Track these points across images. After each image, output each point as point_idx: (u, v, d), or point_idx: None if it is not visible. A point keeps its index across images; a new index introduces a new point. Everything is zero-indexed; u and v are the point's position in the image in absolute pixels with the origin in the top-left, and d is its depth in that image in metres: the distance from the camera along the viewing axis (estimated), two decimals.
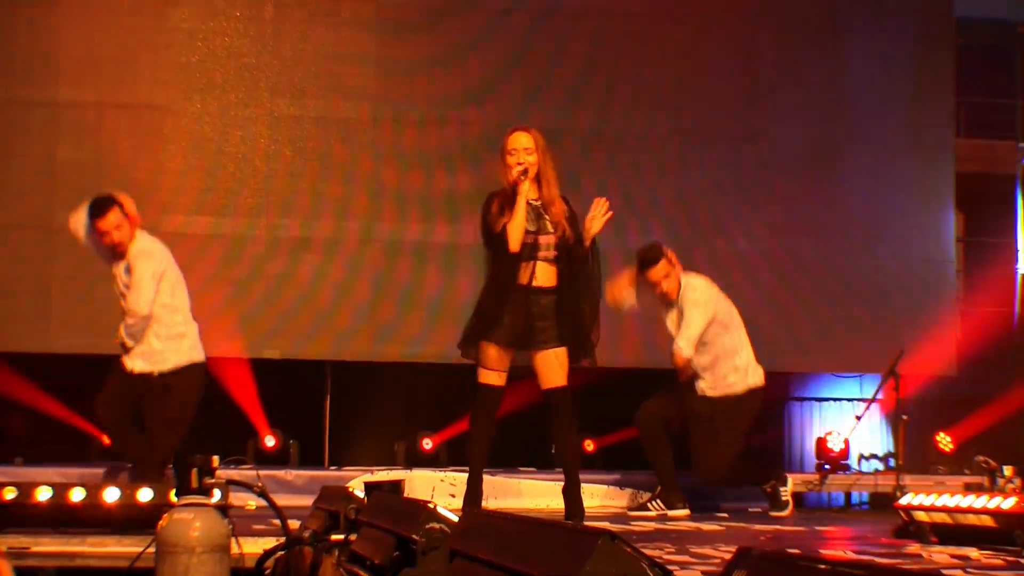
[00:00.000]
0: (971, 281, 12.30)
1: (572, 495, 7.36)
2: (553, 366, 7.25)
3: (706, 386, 8.61)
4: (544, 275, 7.23)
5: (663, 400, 8.74)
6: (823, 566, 1.58)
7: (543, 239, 7.21)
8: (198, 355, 8.13)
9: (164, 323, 7.95)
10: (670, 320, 8.61)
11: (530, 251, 7.18)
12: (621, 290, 8.52)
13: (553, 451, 7.48)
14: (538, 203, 7.22)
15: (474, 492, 7.27)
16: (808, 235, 11.85)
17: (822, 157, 11.90)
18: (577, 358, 7.37)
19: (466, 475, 7.47)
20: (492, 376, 7.25)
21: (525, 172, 7.14)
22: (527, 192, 7.16)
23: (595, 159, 11.25)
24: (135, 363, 7.91)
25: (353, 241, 11.15)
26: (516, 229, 7.12)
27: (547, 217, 7.23)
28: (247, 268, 10.96)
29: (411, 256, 11.19)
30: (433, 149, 11.27)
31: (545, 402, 7.32)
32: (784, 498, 8.79)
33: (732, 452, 8.63)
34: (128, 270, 7.85)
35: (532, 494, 9.16)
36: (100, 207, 7.82)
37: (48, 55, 10.79)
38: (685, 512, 8.50)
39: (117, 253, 7.85)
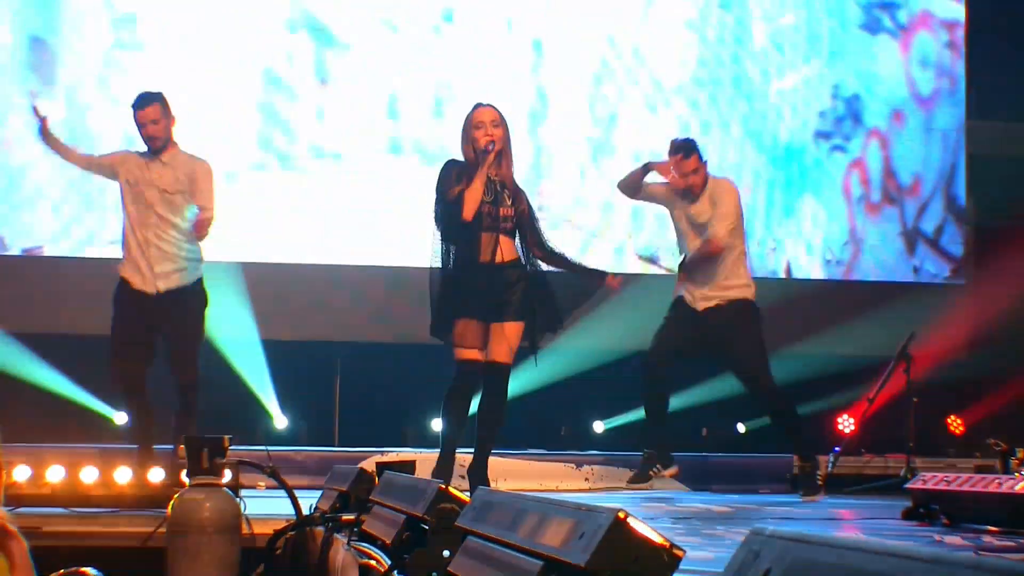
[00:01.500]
0: (983, 262, 12.27)
1: (481, 472, 7.39)
2: (500, 341, 7.26)
3: (710, 289, 8.34)
4: (507, 248, 7.27)
5: (666, 334, 8.44)
6: (836, 547, 1.57)
7: (503, 211, 7.25)
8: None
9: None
10: (685, 217, 8.40)
11: (491, 223, 7.21)
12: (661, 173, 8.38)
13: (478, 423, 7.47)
14: (497, 179, 7.27)
15: (446, 470, 7.30)
16: (806, 199, 11.87)
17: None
18: (543, 331, 7.39)
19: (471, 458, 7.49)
20: (468, 352, 7.30)
21: (492, 144, 7.20)
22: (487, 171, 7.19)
23: None
24: (170, 279, 7.80)
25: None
26: (473, 195, 7.15)
27: (506, 191, 7.28)
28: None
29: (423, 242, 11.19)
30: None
31: (481, 373, 7.32)
32: (818, 481, 8.67)
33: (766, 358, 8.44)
34: (191, 180, 7.80)
35: (540, 475, 9.16)
36: (144, 99, 7.86)
37: None
38: (675, 470, 8.45)
39: (153, 148, 7.82)
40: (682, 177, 8.32)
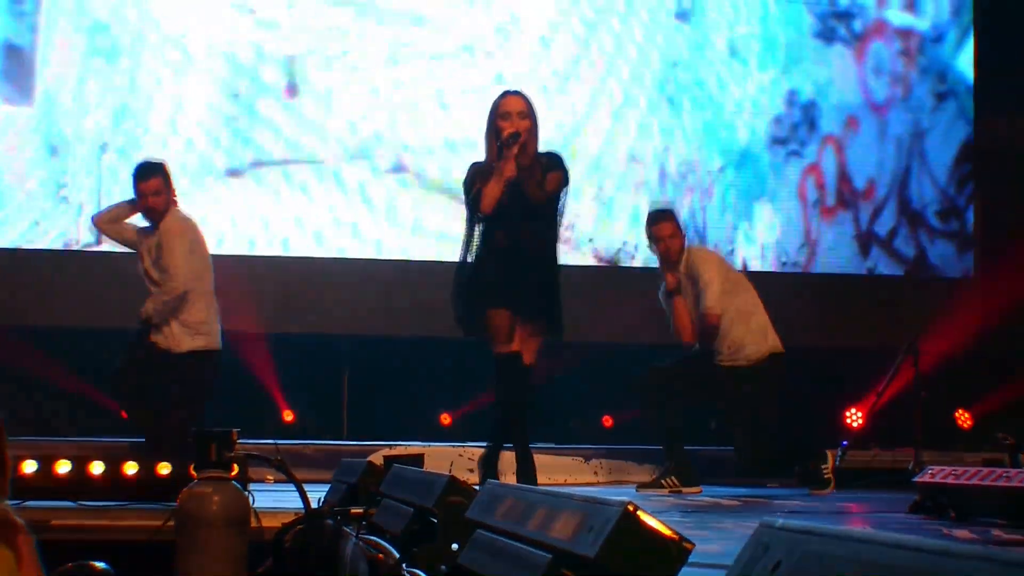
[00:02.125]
0: (990, 255, 12.25)
1: (527, 470, 7.30)
2: (524, 341, 7.21)
3: (723, 358, 8.52)
4: (528, 240, 7.16)
5: (676, 365, 8.59)
6: (846, 540, 1.57)
7: (519, 206, 7.11)
8: (215, 342, 8.17)
9: (188, 304, 7.99)
10: (669, 294, 8.51)
11: (507, 218, 7.11)
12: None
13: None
14: (518, 174, 7.10)
15: (526, 470, 7.24)
16: (762, 203, 11.90)
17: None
18: (548, 332, 7.32)
19: (484, 450, 7.46)
20: (506, 345, 7.19)
21: (517, 135, 7.07)
22: (510, 162, 7.07)
23: None
24: (158, 338, 7.93)
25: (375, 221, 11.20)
26: (494, 190, 7.04)
27: (525, 187, 7.12)
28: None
29: (432, 235, 11.21)
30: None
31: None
32: (826, 476, 8.69)
33: (770, 432, 8.54)
34: (159, 246, 7.89)
35: (550, 469, 9.15)
36: (146, 170, 7.93)
37: None
38: (698, 489, 8.42)
39: (151, 220, 7.89)
40: (658, 242, 8.40)
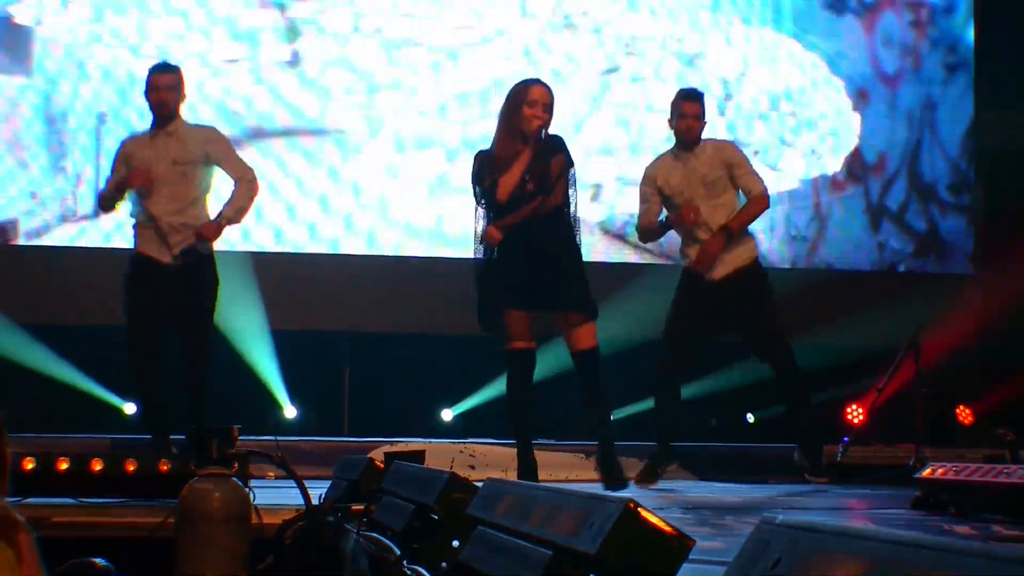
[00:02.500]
0: (991, 252, 12.24)
1: (606, 456, 7.28)
2: (567, 329, 7.13)
3: (724, 267, 8.20)
4: (541, 231, 7.05)
5: (683, 311, 8.31)
6: (846, 536, 1.57)
7: (535, 193, 7.03)
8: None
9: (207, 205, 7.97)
10: (696, 185, 8.24)
11: (519, 206, 7.01)
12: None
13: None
14: (534, 163, 7.04)
15: (527, 468, 7.19)
16: (828, 205, 11.89)
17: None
18: (585, 315, 7.20)
19: (485, 446, 7.45)
20: (516, 343, 7.14)
21: (543, 129, 7.01)
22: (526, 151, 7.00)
23: None
24: (185, 246, 7.82)
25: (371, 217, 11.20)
26: (512, 179, 6.98)
27: (536, 177, 7.05)
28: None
29: (428, 232, 11.21)
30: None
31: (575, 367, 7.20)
32: (825, 463, 8.65)
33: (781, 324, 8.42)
34: (186, 150, 7.82)
35: (551, 466, 9.13)
36: (164, 66, 7.96)
37: None
38: (675, 464, 8.33)
39: (160, 116, 7.86)
40: (682, 119, 8.26)
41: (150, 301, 7.78)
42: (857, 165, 12.16)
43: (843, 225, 12.11)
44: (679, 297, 8.35)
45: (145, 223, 7.84)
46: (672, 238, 8.85)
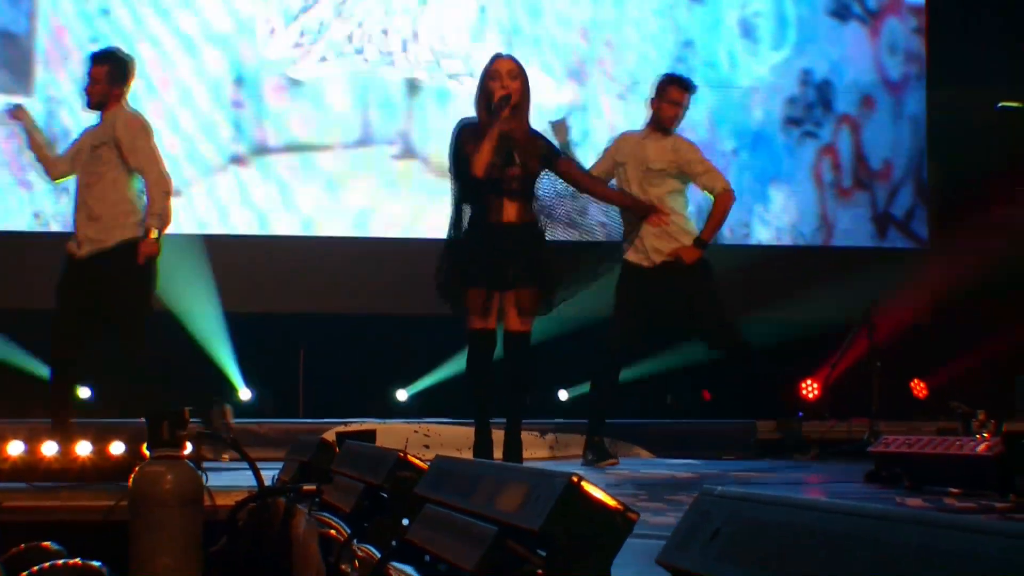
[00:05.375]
0: (944, 225, 12.30)
1: (512, 444, 7.21)
2: (510, 308, 7.07)
3: (661, 244, 8.24)
4: (512, 211, 7.01)
5: (627, 311, 8.28)
6: (785, 506, 1.57)
7: (510, 171, 6.98)
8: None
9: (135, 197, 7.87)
10: (637, 167, 8.26)
11: (494, 184, 6.96)
12: None
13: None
14: (510, 134, 6.99)
15: (483, 445, 7.16)
16: (777, 184, 11.92)
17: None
18: (541, 305, 7.22)
19: (440, 426, 7.43)
20: (478, 321, 7.10)
21: (508, 98, 6.98)
22: (502, 124, 6.95)
23: None
24: (92, 242, 7.76)
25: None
26: (484, 154, 6.90)
27: (516, 151, 7.02)
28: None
29: (387, 213, 11.21)
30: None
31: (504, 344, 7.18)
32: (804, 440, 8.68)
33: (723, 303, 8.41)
34: (102, 132, 7.76)
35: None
36: (97, 56, 7.88)
37: None
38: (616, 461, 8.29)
39: (95, 104, 7.80)
40: (672, 105, 8.23)
41: (68, 295, 7.83)
42: (863, 172, 12.19)
43: (849, 233, 12.14)
44: (622, 300, 8.34)
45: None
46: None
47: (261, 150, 11.15)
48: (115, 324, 7.77)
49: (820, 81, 12.14)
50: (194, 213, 10.84)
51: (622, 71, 11.66)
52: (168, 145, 10.38)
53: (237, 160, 11.10)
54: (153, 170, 7.77)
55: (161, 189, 7.76)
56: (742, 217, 11.73)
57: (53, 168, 8.05)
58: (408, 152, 11.27)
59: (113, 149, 7.74)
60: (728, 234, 11.45)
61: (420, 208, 11.11)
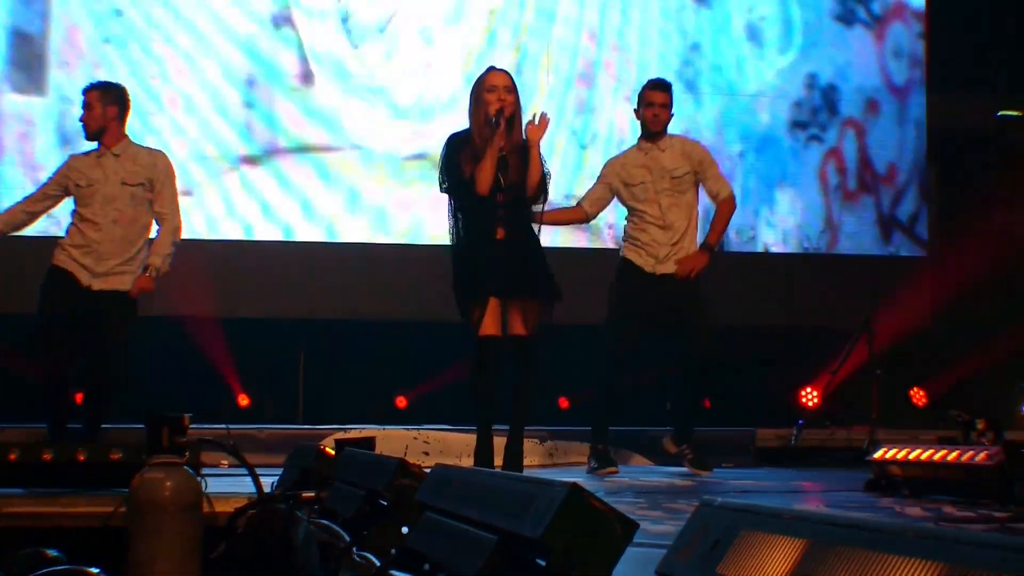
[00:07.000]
0: (944, 234, 12.30)
1: (513, 451, 7.20)
2: (515, 315, 7.07)
3: (669, 254, 8.18)
4: (510, 223, 7.00)
5: (629, 312, 8.23)
6: (783, 518, 1.57)
7: (504, 181, 6.96)
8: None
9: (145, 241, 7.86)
10: (659, 176, 8.19)
11: (494, 198, 6.94)
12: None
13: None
14: (506, 147, 6.99)
15: (484, 452, 7.15)
16: (783, 188, 11.92)
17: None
18: (548, 310, 7.20)
19: (440, 433, 7.41)
20: (484, 329, 7.08)
21: (502, 111, 6.96)
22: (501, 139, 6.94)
23: None
24: (114, 280, 7.74)
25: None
26: (487, 170, 6.90)
27: (509, 164, 6.99)
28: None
29: (387, 219, 11.21)
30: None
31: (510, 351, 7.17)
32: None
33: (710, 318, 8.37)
34: (134, 171, 7.72)
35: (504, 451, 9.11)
36: (89, 86, 7.83)
37: None
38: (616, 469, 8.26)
39: (93, 133, 7.74)
40: (649, 107, 8.22)
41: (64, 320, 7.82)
42: (868, 176, 12.19)
43: (855, 236, 12.14)
44: (623, 287, 8.32)
45: (76, 240, 7.81)
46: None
47: (268, 152, 11.15)
48: (105, 349, 7.77)
49: (825, 85, 12.16)
50: (195, 216, 10.83)
51: (628, 75, 11.67)
52: (175, 148, 10.42)
53: (243, 162, 11.10)
54: (174, 220, 7.80)
55: (174, 237, 7.79)
56: (748, 220, 11.74)
57: (35, 217, 8.02)
58: (414, 158, 11.27)
59: (148, 191, 7.73)
60: (734, 236, 11.47)
61: (422, 215, 11.12)
